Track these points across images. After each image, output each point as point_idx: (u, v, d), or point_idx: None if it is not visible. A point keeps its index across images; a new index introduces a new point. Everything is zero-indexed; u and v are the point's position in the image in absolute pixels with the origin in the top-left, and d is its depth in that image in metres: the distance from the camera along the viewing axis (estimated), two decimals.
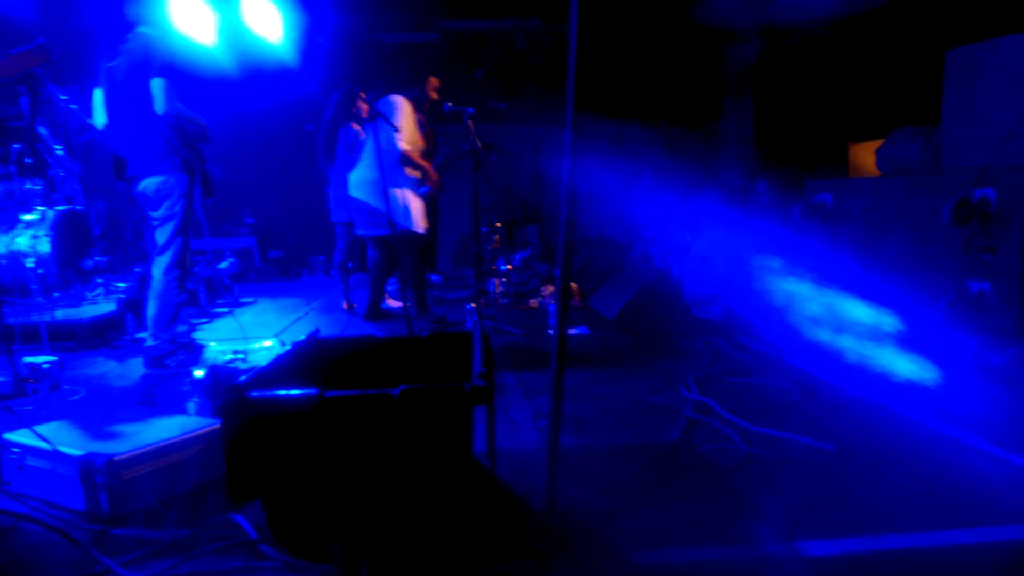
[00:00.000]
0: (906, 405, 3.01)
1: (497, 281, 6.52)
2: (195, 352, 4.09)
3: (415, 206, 5.02)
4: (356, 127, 5.58)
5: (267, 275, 8.37)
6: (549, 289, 6.06)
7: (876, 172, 5.95)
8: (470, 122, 5.33)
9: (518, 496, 2.22)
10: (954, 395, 3.12)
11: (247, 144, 8.06)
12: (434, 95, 5.41)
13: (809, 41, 7.58)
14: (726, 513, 2.12)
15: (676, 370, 3.67)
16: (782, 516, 2.08)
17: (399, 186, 4.95)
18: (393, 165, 4.88)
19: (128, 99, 3.75)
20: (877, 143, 5.83)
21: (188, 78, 4.00)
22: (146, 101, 3.67)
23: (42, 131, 5.22)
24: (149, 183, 3.80)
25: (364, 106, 5.55)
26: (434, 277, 7.21)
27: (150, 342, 3.94)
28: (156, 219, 3.84)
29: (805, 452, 2.53)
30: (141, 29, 3.80)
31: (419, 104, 5.26)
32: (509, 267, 6.84)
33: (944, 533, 1.97)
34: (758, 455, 2.51)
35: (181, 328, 4.11)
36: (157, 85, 3.63)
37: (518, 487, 2.28)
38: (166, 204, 3.81)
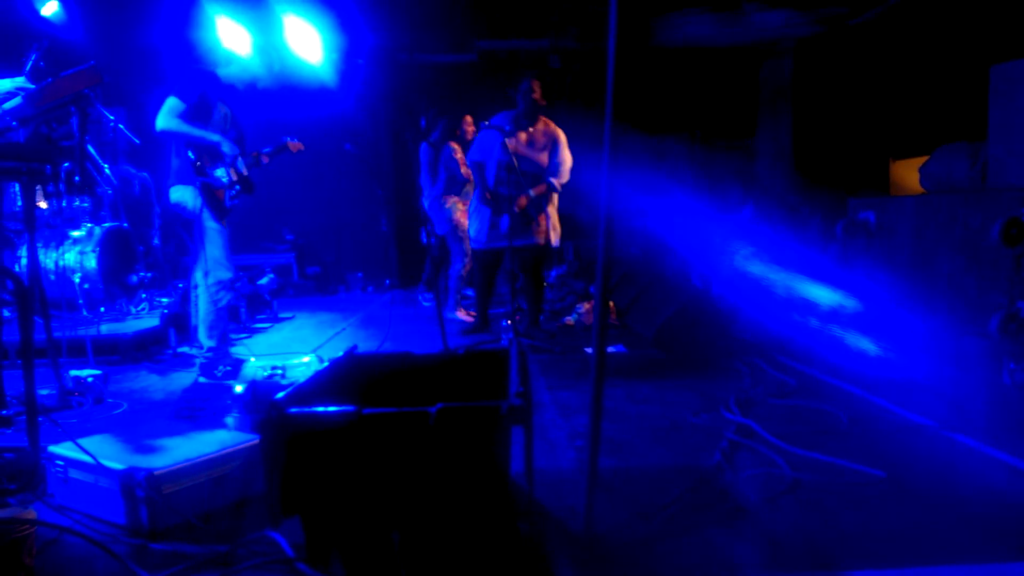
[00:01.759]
0: (958, 429, 2.90)
1: None
2: (236, 365, 4.16)
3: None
4: (456, 147, 6.00)
5: (305, 290, 8.47)
6: (585, 306, 6.01)
7: (919, 190, 5.81)
8: (506, 140, 5.35)
9: (556, 518, 2.19)
10: (1005, 418, 3.01)
11: (287, 163, 8.18)
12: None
13: (848, 56, 7.47)
14: (773, 541, 2.06)
15: (716, 390, 3.59)
16: (831, 545, 2.01)
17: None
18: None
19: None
20: (919, 160, 5.69)
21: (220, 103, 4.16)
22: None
23: (91, 150, 5.38)
24: (173, 195, 4.07)
25: (470, 128, 6.03)
26: (467, 291, 7.30)
27: (206, 347, 4.12)
28: (186, 233, 4.05)
29: (854, 478, 2.44)
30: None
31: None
32: (544, 284, 6.81)
33: (1003, 566, 1.88)
34: (805, 480, 2.43)
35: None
36: (166, 103, 3.91)
37: (556, 509, 2.24)
38: (187, 217, 4.06)
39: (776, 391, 3.60)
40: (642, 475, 2.55)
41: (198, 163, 3.99)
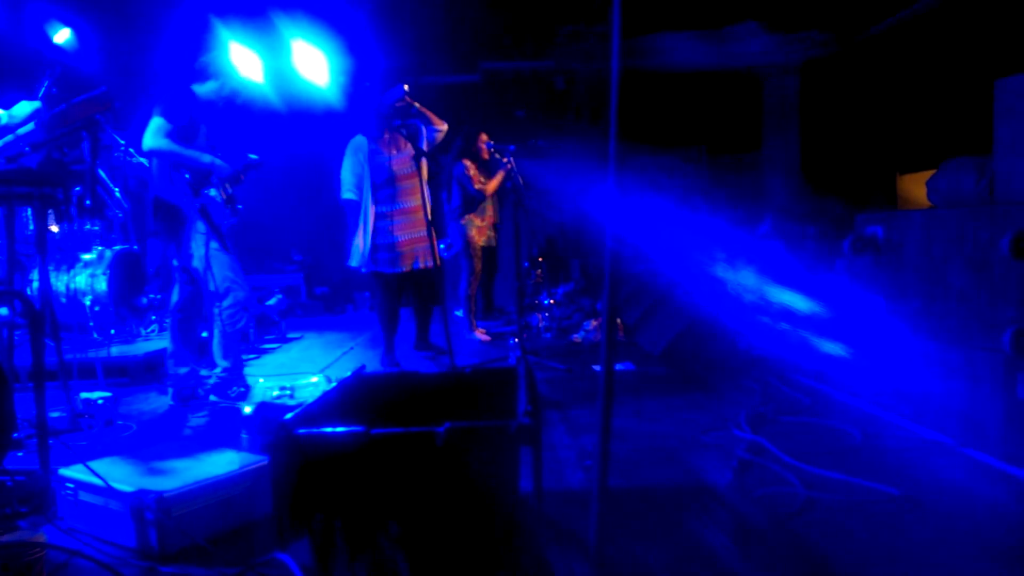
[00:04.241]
0: (973, 445, 2.87)
1: (540, 316, 6.51)
2: (248, 388, 4.16)
3: (363, 245, 4.88)
4: (468, 164, 5.90)
5: (313, 310, 8.50)
6: (593, 323, 6.01)
7: (926, 204, 5.79)
8: (512, 160, 5.39)
9: (565, 539, 2.17)
10: (1020, 433, 2.97)
11: (295, 184, 8.26)
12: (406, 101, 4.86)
13: (853, 72, 7.51)
14: (787, 562, 2.03)
15: (726, 408, 3.57)
16: (847, 566, 1.98)
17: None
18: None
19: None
20: (926, 174, 5.68)
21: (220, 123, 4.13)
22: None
23: (101, 174, 5.44)
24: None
25: (483, 146, 5.83)
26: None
27: (219, 370, 4.03)
28: (188, 257, 3.96)
29: (869, 496, 2.41)
30: (193, 86, 4.03)
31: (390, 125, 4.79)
32: (552, 301, 6.82)
33: None
34: (819, 499, 2.41)
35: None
36: (153, 122, 3.82)
37: (565, 529, 2.22)
38: (190, 241, 3.94)
39: (787, 408, 3.58)
40: (652, 495, 2.53)
41: (193, 184, 3.90)
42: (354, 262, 4.86)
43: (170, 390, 4.07)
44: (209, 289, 3.94)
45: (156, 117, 3.83)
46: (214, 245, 3.92)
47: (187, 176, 3.89)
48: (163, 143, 3.82)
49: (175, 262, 4.10)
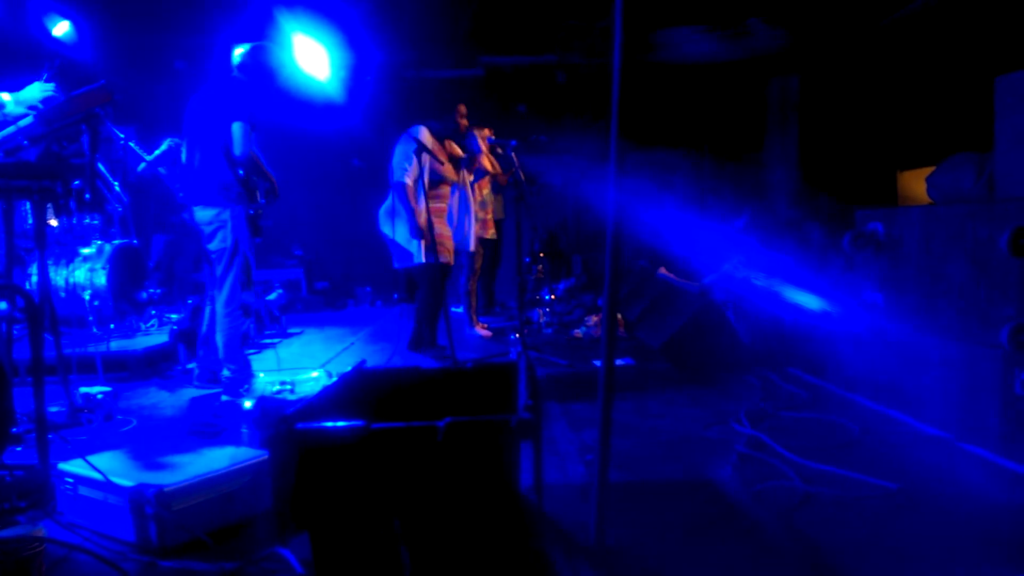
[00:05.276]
0: (971, 439, 2.87)
1: (541, 311, 6.51)
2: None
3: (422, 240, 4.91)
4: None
5: (314, 305, 8.48)
6: (594, 319, 6.01)
7: (926, 200, 5.79)
8: (513, 155, 5.38)
9: (566, 533, 2.17)
10: (1018, 428, 2.97)
11: (296, 178, 8.23)
12: (463, 122, 5.53)
13: (854, 69, 7.50)
14: (785, 556, 2.04)
15: (726, 403, 3.58)
16: (844, 560, 1.99)
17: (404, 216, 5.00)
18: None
19: (205, 135, 3.94)
20: (927, 171, 5.68)
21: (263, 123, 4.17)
22: (222, 139, 3.86)
23: (101, 168, 5.42)
24: (205, 214, 3.96)
25: (483, 140, 5.97)
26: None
27: (226, 372, 4.07)
28: (212, 252, 4.01)
29: (867, 491, 2.42)
30: (235, 75, 4.05)
31: (448, 134, 5.38)
32: (553, 297, 6.83)
33: None
34: (817, 494, 2.41)
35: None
36: (237, 128, 3.83)
37: (566, 524, 2.23)
38: (219, 236, 3.96)
39: (787, 404, 3.58)
40: (653, 489, 2.53)
41: (250, 186, 3.94)
42: (418, 259, 4.94)
43: (196, 370, 4.23)
44: (220, 288, 3.99)
45: (239, 122, 3.83)
46: (246, 250, 3.98)
47: (241, 174, 3.91)
48: (256, 152, 3.92)
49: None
